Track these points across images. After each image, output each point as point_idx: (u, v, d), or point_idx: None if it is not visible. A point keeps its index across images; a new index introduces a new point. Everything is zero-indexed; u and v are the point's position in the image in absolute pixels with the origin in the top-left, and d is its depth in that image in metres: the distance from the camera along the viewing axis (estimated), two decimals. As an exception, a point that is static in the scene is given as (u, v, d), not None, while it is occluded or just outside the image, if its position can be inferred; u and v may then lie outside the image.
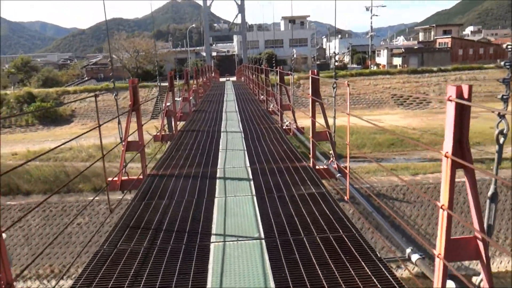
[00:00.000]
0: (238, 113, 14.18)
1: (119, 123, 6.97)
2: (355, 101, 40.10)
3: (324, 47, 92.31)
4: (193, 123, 12.17)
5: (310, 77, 6.62)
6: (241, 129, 10.68)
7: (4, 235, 2.51)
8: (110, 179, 6.70)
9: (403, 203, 19.32)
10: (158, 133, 10.81)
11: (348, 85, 4.56)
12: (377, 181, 20.31)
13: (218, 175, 6.49)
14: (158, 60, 56.31)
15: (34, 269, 16.77)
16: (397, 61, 62.33)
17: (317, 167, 6.78)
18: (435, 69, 46.21)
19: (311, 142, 6.93)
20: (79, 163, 22.92)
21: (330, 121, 7.30)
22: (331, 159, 6.92)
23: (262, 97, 18.03)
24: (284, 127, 10.27)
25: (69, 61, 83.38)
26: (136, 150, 6.94)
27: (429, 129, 29.36)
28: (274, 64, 23.47)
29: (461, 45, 65.21)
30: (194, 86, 19.21)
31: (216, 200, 5.33)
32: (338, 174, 6.38)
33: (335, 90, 6.34)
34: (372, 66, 60.22)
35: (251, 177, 6.28)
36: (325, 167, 6.91)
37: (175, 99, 11.49)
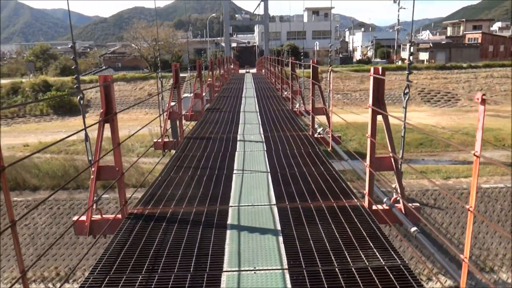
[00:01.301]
0: (258, 113, 12.35)
1: (86, 140, 4.71)
2: (379, 97, 38.55)
3: (347, 40, 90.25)
4: (204, 127, 10.33)
5: (372, 78, 4.38)
6: (263, 138, 8.63)
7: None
8: (75, 219, 4.91)
9: (434, 209, 18.06)
10: (160, 140, 8.97)
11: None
12: (405, 185, 18.92)
13: (229, 221, 4.47)
14: (177, 50, 55.26)
15: (39, 270, 15.85)
16: (424, 56, 60.10)
17: (373, 206, 4.74)
18: (464, 65, 44.20)
19: (368, 173, 4.73)
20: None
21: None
22: (395, 196, 4.77)
23: (285, 93, 16.57)
24: (315, 135, 8.43)
25: (89, 49, 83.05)
26: (111, 179, 4.89)
27: (459, 128, 27.60)
28: (302, 57, 22.02)
29: (492, 41, 62.68)
30: (209, 80, 17.81)
31: (223, 278, 3.34)
32: (414, 229, 3.98)
33: (407, 96, 4.36)
34: (397, 61, 58.08)
35: (279, 227, 4.23)
36: (386, 207, 4.73)
37: (186, 95, 9.84)
